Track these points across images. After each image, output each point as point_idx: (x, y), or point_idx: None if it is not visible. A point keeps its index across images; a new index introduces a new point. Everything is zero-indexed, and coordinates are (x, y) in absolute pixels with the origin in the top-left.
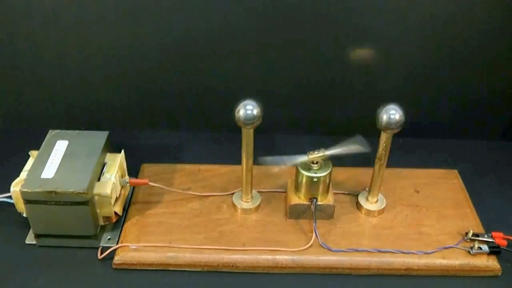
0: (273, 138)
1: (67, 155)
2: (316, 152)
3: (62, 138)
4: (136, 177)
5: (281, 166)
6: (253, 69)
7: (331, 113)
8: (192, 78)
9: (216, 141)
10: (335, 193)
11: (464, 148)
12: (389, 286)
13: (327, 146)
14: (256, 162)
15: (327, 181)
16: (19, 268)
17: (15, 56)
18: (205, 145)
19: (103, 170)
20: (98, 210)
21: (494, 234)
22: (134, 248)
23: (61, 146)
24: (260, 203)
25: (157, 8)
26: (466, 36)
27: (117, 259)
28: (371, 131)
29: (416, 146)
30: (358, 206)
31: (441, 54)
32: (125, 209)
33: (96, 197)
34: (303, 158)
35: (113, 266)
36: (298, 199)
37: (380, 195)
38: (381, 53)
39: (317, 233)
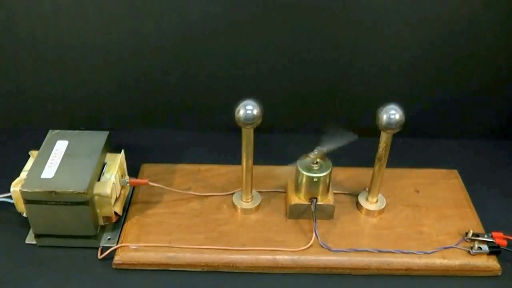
0: (273, 138)
1: (67, 155)
2: (316, 152)
3: (62, 138)
4: (136, 177)
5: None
6: (253, 69)
7: (331, 113)
8: (192, 78)
9: (216, 141)
10: (335, 193)
11: (464, 148)
12: (389, 286)
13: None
14: (256, 162)
15: (327, 181)
16: (19, 268)
17: (15, 56)
18: (205, 145)
19: (103, 170)
20: (98, 210)
21: (494, 234)
22: (134, 248)
23: (61, 146)
24: (260, 203)
25: (157, 7)
26: (466, 36)
27: (117, 259)
28: (371, 131)
29: (416, 146)
30: (358, 206)
31: (441, 54)
32: (125, 209)
33: (96, 197)
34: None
35: (113, 266)
36: (298, 199)
37: (380, 195)
38: (381, 53)
39: (317, 233)
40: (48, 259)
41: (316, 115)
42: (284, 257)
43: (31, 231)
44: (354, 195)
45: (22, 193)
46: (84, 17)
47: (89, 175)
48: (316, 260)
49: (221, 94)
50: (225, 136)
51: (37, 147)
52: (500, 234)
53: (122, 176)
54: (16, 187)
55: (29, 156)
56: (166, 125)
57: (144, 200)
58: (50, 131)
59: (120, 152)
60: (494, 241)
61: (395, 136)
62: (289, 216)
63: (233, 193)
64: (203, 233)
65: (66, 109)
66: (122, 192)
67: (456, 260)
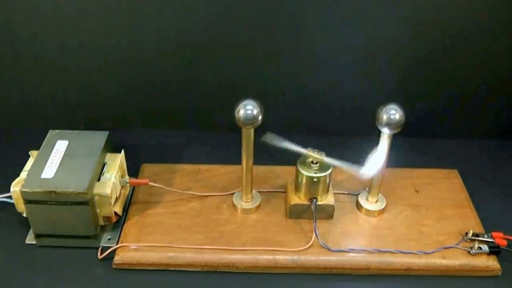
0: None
1: (67, 155)
2: (316, 152)
3: (62, 138)
4: (136, 177)
5: (278, 146)
6: (253, 69)
7: (331, 113)
8: (192, 78)
9: (216, 141)
10: (335, 193)
11: (464, 148)
12: (389, 286)
13: (326, 146)
14: (256, 162)
15: (327, 181)
16: (19, 268)
17: (15, 56)
18: (205, 145)
19: (103, 170)
20: (98, 210)
21: (494, 234)
22: (134, 248)
23: (61, 146)
24: (260, 203)
25: (157, 7)
26: (465, 35)
27: (117, 259)
28: (371, 131)
29: (416, 146)
30: (358, 206)
31: (441, 54)
32: (125, 209)
33: (96, 197)
34: (302, 150)
35: (113, 266)
36: (298, 199)
37: (380, 195)
38: (380, 53)
39: (317, 233)
40: (48, 259)
41: (316, 115)
42: (284, 257)
43: (31, 231)
44: (354, 195)
45: (22, 193)
46: (84, 17)
47: (89, 175)
48: (316, 260)
49: (221, 94)
50: (225, 136)
51: (37, 147)
52: (500, 234)
53: (122, 176)
54: (16, 187)
55: (29, 156)
56: (166, 125)
57: (144, 200)
58: (50, 131)
59: (120, 152)
60: (494, 241)
61: (395, 136)
62: (289, 216)
63: (233, 193)
64: (203, 233)
65: (66, 109)
66: (122, 192)
67: (456, 260)
